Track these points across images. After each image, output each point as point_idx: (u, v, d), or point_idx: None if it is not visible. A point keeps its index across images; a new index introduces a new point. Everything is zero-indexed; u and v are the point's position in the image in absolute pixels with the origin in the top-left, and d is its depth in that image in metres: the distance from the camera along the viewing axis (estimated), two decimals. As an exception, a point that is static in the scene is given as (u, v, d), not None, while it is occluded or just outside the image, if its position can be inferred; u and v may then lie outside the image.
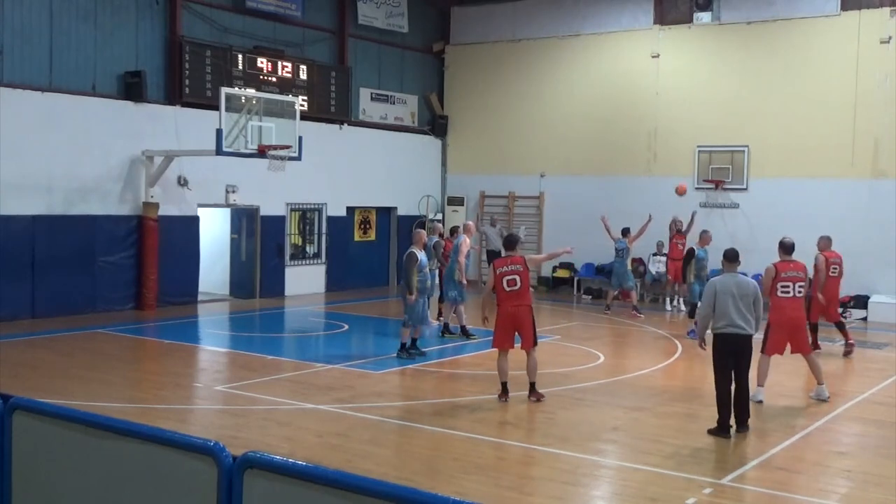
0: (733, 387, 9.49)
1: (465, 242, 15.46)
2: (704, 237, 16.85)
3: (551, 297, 22.77)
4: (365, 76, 23.50)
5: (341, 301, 20.22)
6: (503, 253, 11.25)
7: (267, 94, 18.31)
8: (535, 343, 10.90)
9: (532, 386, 10.90)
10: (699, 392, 11.67)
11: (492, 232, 22.84)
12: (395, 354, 13.43)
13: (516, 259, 10.79)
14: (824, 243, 14.64)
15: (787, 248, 11.43)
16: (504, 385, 10.86)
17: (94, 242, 17.39)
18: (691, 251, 17.36)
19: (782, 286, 11.09)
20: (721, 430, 9.36)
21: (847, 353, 14.50)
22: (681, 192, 19.52)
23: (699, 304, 10.19)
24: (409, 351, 13.39)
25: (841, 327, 14.70)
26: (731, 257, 9.85)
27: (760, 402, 10.78)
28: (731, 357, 9.45)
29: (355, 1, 22.84)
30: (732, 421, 9.49)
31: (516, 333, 10.82)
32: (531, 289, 11.25)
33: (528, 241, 24.30)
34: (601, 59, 23.16)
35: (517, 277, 10.62)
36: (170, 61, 18.84)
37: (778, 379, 12.73)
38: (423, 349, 13.75)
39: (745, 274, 9.74)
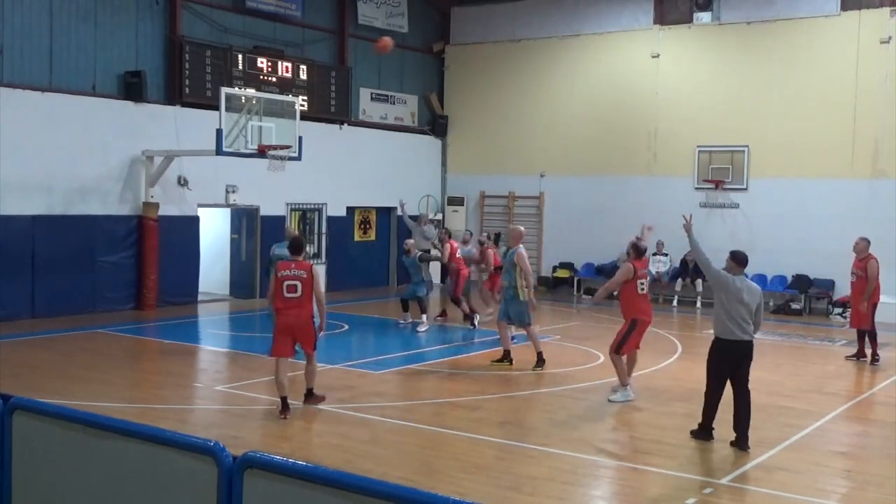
0: (733, 397, 9.14)
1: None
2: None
3: (551, 297, 22.76)
4: (365, 76, 23.50)
5: (341, 301, 20.21)
6: (289, 256, 10.22)
7: (267, 94, 18.31)
8: (315, 348, 10.12)
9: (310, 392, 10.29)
10: (699, 392, 11.61)
11: (416, 230, 19.09)
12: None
13: (302, 264, 9.93)
14: (865, 245, 14.10)
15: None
16: (284, 400, 9.96)
17: (94, 242, 17.39)
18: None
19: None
20: (704, 433, 9.19)
21: (852, 357, 14.32)
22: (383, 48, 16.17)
23: (711, 264, 9.42)
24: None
25: (863, 336, 14.20)
26: (742, 261, 9.31)
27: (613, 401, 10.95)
28: (730, 364, 9.11)
29: (355, 1, 22.84)
30: (717, 426, 9.17)
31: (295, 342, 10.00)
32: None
33: (527, 241, 24.28)
34: (601, 59, 23.16)
35: (298, 283, 9.77)
36: (170, 61, 18.84)
37: (778, 379, 12.74)
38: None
39: (745, 275, 9.52)
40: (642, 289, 11.12)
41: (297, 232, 14.10)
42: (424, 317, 16.22)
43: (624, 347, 11.03)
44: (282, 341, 9.92)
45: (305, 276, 9.81)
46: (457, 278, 17.00)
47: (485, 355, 13.81)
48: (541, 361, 12.87)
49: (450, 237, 18.04)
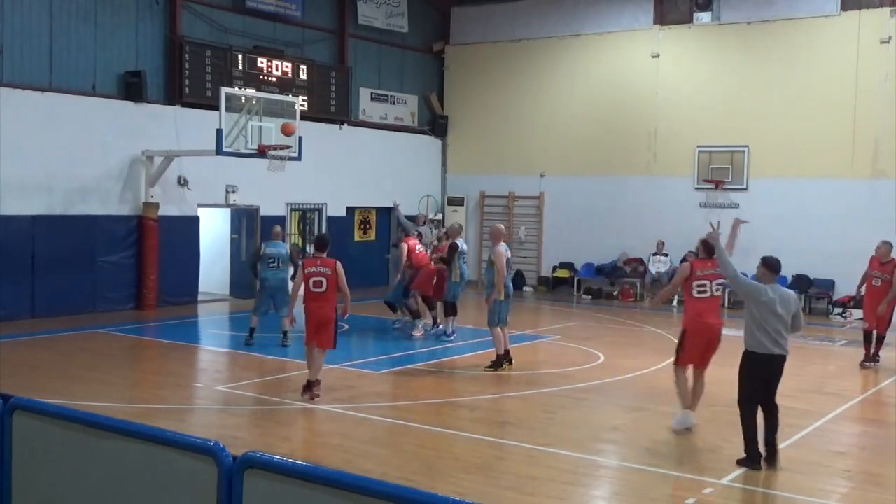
0: (762, 412, 8.49)
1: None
2: None
3: (551, 297, 22.77)
4: (365, 76, 23.50)
5: (341, 301, 20.18)
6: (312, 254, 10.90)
7: (267, 94, 18.31)
8: (333, 346, 10.72)
9: (314, 384, 10.69)
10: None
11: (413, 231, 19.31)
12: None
13: (327, 261, 10.63)
14: (888, 248, 13.86)
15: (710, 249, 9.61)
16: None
17: (94, 242, 17.40)
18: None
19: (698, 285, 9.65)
20: (751, 461, 8.34)
21: (868, 364, 13.88)
22: (287, 132, 16.85)
23: (740, 277, 8.61)
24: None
25: (871, 338, 13.94)
26: (775, 267, 8.50)
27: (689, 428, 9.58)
28: (762, 380, 8.41)
29: (355, 1, 22.84)
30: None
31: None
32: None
33: (528, 241, 24.34)
34: (601, 59, 23.16)
35: (324, 279, 10.48)
36: (170, 61, 18.84)
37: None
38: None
39: (745, 275, 9.27)
40: (701, 292, 9.60)
41: (280, 232, 14.67)
42: (418, 321, 15.75)
43: (680, 359, 9.72)
44: (310, 332, 10.65)
45: (330, 272, 10.53)
46: (414, 275, 15.63)
47: (484, 356, 13.80)
48: (497, 364, 12.65)
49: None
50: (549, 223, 24.03)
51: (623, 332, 17.13)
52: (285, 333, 14.12)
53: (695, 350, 9.57)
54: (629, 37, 22.77)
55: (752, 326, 8.31)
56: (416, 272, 15.52)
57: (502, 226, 13.70)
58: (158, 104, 18.57)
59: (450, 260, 15.11)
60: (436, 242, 16.89)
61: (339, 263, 10.71)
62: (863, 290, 14.39)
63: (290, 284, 13.18)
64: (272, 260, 14.24)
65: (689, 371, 9.68)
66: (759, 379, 8.39)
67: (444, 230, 17.06)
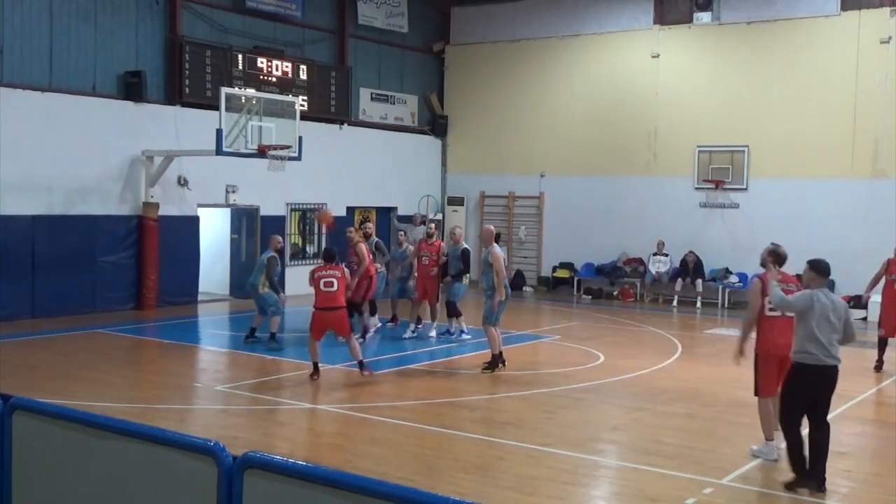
0: (808, 430, 7.83)
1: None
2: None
3: (551, 297, 22.77)
4: (365, 76, 23.50)
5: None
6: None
7: (267, 94, 18.32)
8: (352, 330, 12.40)
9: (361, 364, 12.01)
10: (699, 392, 11.68)
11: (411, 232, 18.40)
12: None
13: (335, 268, 12.19)
14: None
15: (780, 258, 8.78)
16: (315, 364, 11.86)
17: (94, 242, 17.40)
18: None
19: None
20: (800, 483, 7.73)
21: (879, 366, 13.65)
22: (326, 222, 16.82)
23: (788, 300, 7.94)
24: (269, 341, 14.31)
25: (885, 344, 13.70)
26: (825, 270, 7.86)
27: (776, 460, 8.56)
28: (812, 395, 7.70)
29: (355, 1, 22.84)
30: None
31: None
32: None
33: (528, 240, 24.34)
34: (601, 59, 23.16)
35: (334, 280, 11.95)
36: (170, 61, 18.84)
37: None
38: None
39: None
40: (773, 309, 8.45)
41: (279, 241, 15.31)
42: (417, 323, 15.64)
43: (759, 389, 8.70)
44: (316, 328, 11.94)
45: (339, 275, 12.07)
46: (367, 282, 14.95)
47: (484, 356, 13.79)
48: (493, 365, 12.55)
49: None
50: (549, 223, 24.03)
51: (623, 332, 17.13)
52: (273, 335, 14.26)
53: (771, 377, 8.57)
54: (629, 37, 22.78)
55: (803, 337, 7.67)
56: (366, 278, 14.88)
57: (492, 226, 13.59)
58: (158, 104, 18.57)
59: (465, 265, 14.89)
60: (426, 239, 15.71)
61: (345, 268, 12.69)
62: (872, 293, 14.29)
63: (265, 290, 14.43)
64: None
65: (771, 400, 8.59)
66: (807, 393, 7.69)
67: (432, 225, 16.81)
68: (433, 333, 15.37)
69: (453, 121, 25.46)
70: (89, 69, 17.53)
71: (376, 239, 16.08)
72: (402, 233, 16.79)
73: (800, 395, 7.72)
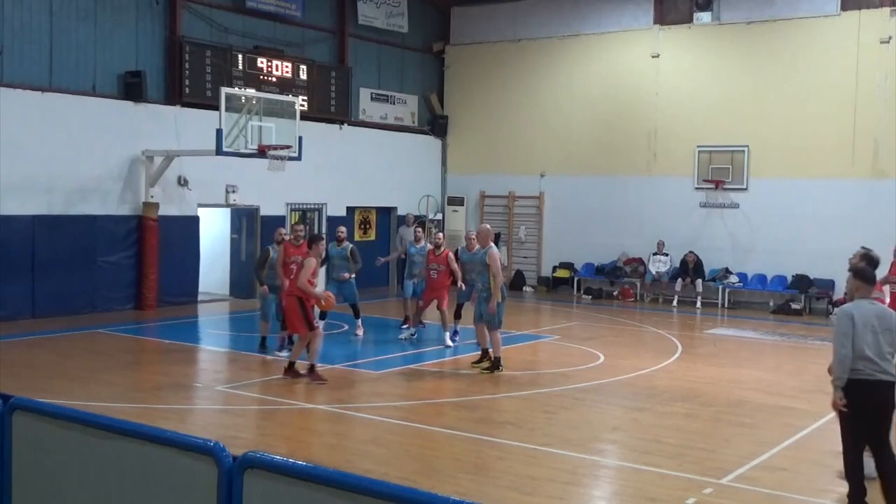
0: (875, 461, 7.14)
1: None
2: None
3: (551, 297, 22.77)
4: (365, 76, 23.50)
5: (341, 301, 20.19)
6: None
7: (267, 94, 18.32)
8: (312, 329, 11.75)
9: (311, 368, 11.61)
10: (699, 392, 11.68)
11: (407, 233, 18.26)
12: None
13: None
14: None
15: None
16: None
17: (94, 242, 17.40)
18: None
19: None
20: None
21: None
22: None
23: (834, 340, 7.23)
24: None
25: None
26: (869, 277, 7.20)
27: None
28: (871, 416, 6.96)
29: (355, 1, 22.85)
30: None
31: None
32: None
33: (528, 240, 24.34)
34: (601, 59, 23.16)
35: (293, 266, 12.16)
36: (170, 61, 18.84)
37: (778, 379, 12.74)
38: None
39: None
40: None
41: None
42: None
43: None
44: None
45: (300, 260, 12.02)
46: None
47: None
48: (496, 366, 12.44)
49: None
50: (549, 223, 24.04)
51: (623, 332, 17.13)
52: (263, 339, 14.09)
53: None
54: (629, 37, 22.78)
55: (856, 351, 7.00)
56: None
57: (489, 226, 13.45)
58: (158, 104, 18.57)
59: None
60: (435, 249, 14.87)
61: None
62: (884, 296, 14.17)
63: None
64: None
65: None
66: (866, 414, 6.95)
67: (440, 236, 15.94)
68: (450, 342, 14.60)
69: (453, 121, 25.46)
70: (89, 69, 17.53)
71: (350, 245, 15.16)
72: (419, 229, 16.11)
73: (859, 419, 6.97)
